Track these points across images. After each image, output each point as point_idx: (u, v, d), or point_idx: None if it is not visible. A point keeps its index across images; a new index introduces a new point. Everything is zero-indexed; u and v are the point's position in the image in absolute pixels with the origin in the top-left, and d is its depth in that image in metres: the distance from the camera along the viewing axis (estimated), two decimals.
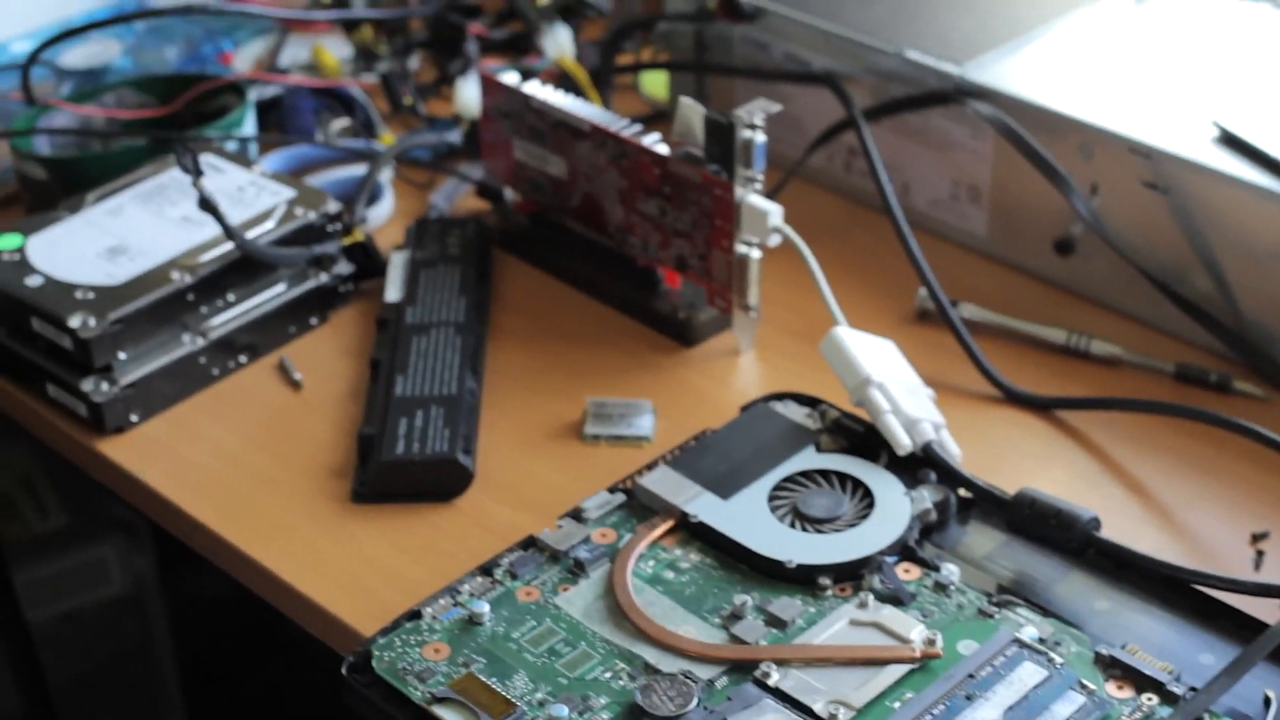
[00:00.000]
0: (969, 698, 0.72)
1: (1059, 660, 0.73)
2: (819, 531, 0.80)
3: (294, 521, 0.88)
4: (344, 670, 0.75)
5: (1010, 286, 1.04)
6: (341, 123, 1.19)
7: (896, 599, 0.77)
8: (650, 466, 0.85)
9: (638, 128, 1.00)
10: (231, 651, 1.52)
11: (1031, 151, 0.99)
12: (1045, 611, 0.76)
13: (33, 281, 0.96)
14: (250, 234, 0.98)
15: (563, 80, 1.17)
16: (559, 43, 1.19)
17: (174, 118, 1.14)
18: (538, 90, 1.03)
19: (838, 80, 1.08)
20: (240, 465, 0.92)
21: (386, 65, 1.26)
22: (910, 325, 1.01)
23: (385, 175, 1.14)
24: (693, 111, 0.95)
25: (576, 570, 0.80)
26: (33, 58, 1.15)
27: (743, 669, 0.74)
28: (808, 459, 0.85)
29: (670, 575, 0.80)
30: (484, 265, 1.04)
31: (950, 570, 0.78)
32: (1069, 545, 0.80)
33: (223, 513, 0.89)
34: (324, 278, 1.02)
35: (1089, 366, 0.97)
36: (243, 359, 0.99)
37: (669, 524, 0.82)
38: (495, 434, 0.93)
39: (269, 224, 1.00)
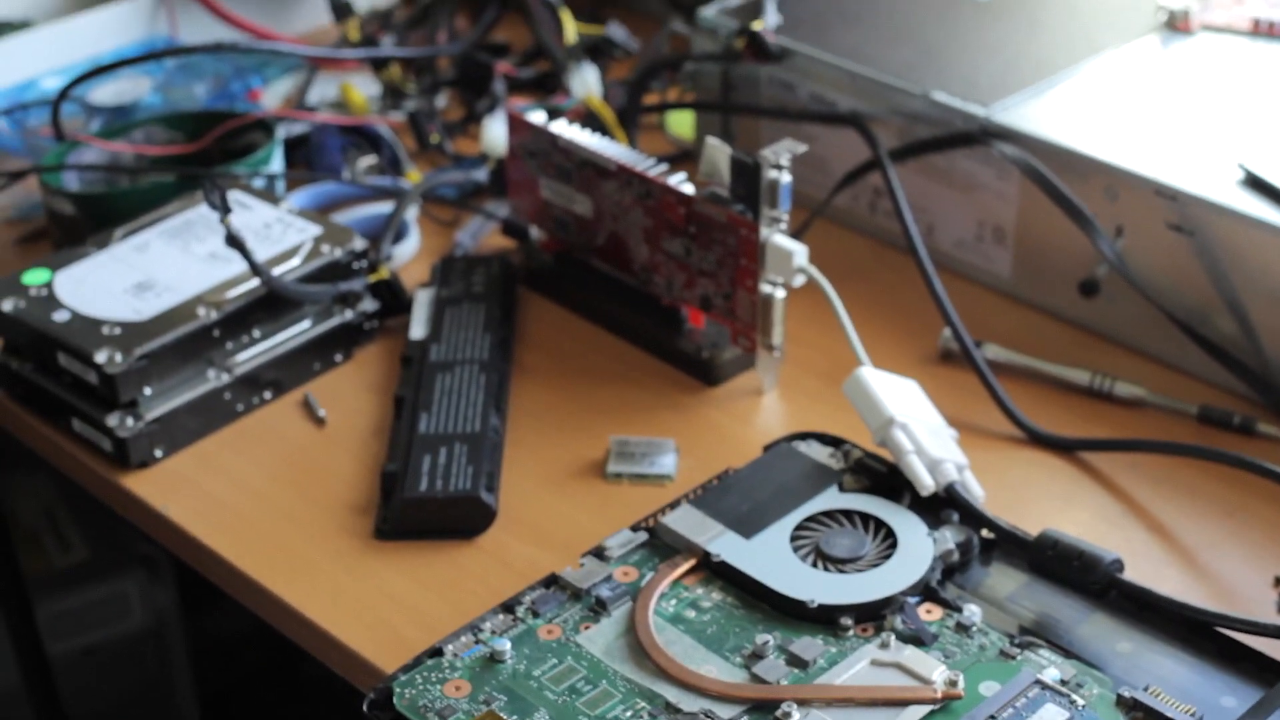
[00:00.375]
0: None
1: (1081, 702, 0.73)
2: (841, 571, 0.80)
3: (316, 557, 0.89)
4: (365, 707, 0.75)
5: (1034, 328, 1.04)
6: (368, 160, 1.19)
7: (918, 639, 0.77)
8: (673, 505, 0.85)
9: (664, 167, 1.00)
10: (252, 687, 1.52)
11: (1057, 193, 0.99)
12: (1067, 653, 0.76)
13: (60, 316, 0.96)
14: (276, 270, 0.99)
15: (589, 119, 1.18)
16: (586, 82, 1.20)
17: (202, 154, 1.15)
18: (564, 129, 1.04)
19: (864, 121, 1.08)
20: (263, 501, 0.93)
21: (414, 103, 1.27)
22: (934, 366, 1.01)
23: (411, 213, 1.14)
24: (719, 151, 0.95)
25: (598, 608, 0.80)
26: (63, 94, 1.16)
27: (764, 709, 0.74)
28: (830, 499, 0.85)
29: (692, 614, 0.79)
30: (509, 303, 1.05)
31: (972, 611, 0.78)
32: (1091, 587, 0.80)
33: (245, 548, 0.90)
34: (349, 314, 1.02)
35: (1112, 408, 0.97)
36: (267, 395, 1.00)
37: (691, 563, 0.82)
38: (518, 472, 0.94)
39: (295, 261, 1.00)
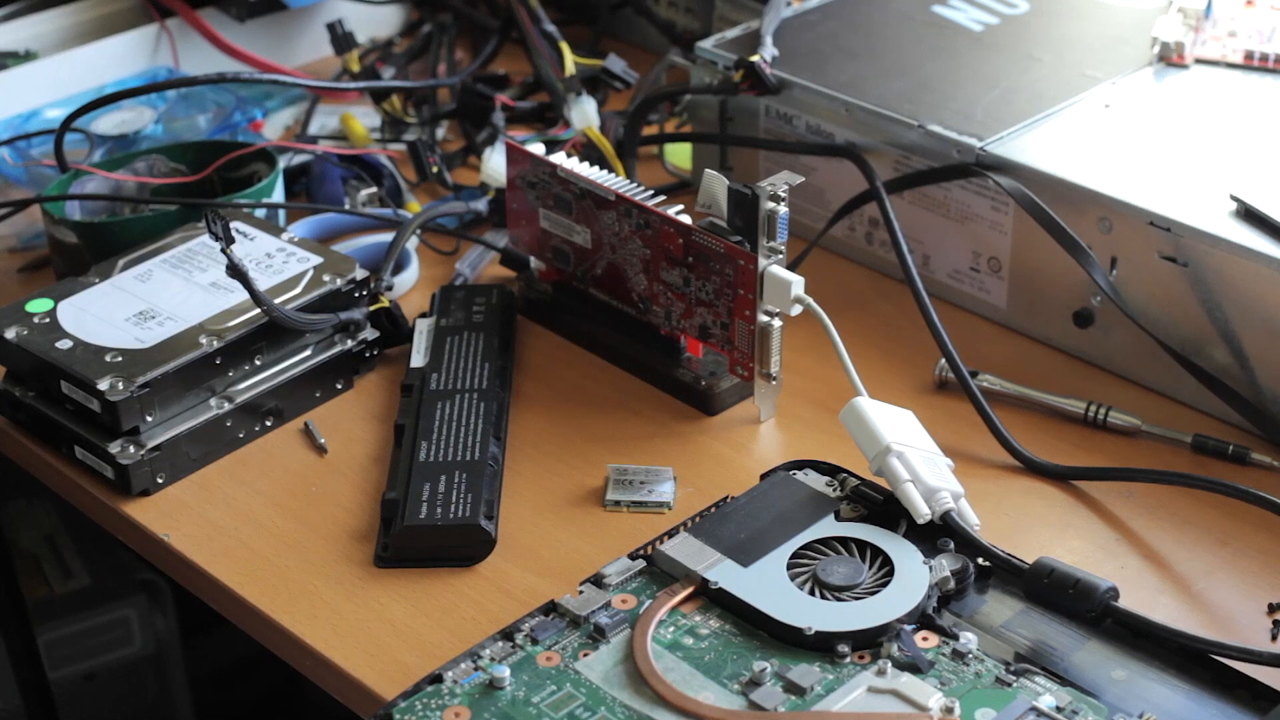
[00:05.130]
0: None
1: None
2: (838, 599, 0.81)
3: (316, 585, 0.89)
4: None
5: (1029, 357, 1.05)
6: (369, 191, 1.20)
7: (915, 667, 0.77)
8: (671, 533, 0.86)
9: (662, 198, 1.01)
10: (252, 713, 1.52)
11: (1052, 224, 1.00)
12: (1063, 680, 0.77)
13: (62, 345, 0.97)
14: (278, 300, 0.99)
15: (588, 151, 1.19)
16: (585, 114, 1.21)
17: (204, 184, 1.15)
18: (563, 160, 1.04)
19: (860, 153, 1.09)
20: (264, 529, 0.93)
21: (414, 134, 1.28)
22: (930, 395, 1.01)
23: (411, 243, 1.15)
24: (717, 182, 0.96)
25: (597, 636, 0.80)
26: (66, 124, 1.16)
27: None
28: (827, 527, 0.86)
29: (690, 641, 0.80)
30: (508, 332, 1.05)
31: (968, 638, 0.78)
32: (1087, 614, 0.80)
33: (246, 575, 0.90)
34: (350, 343, 1.03)
35: (1107, 437, 0.98)
36: (268, 423, 1.00)
37: (689, 590, 0.82)
38: (517, 500, 0.94)
39: (296, 290, 1.01)
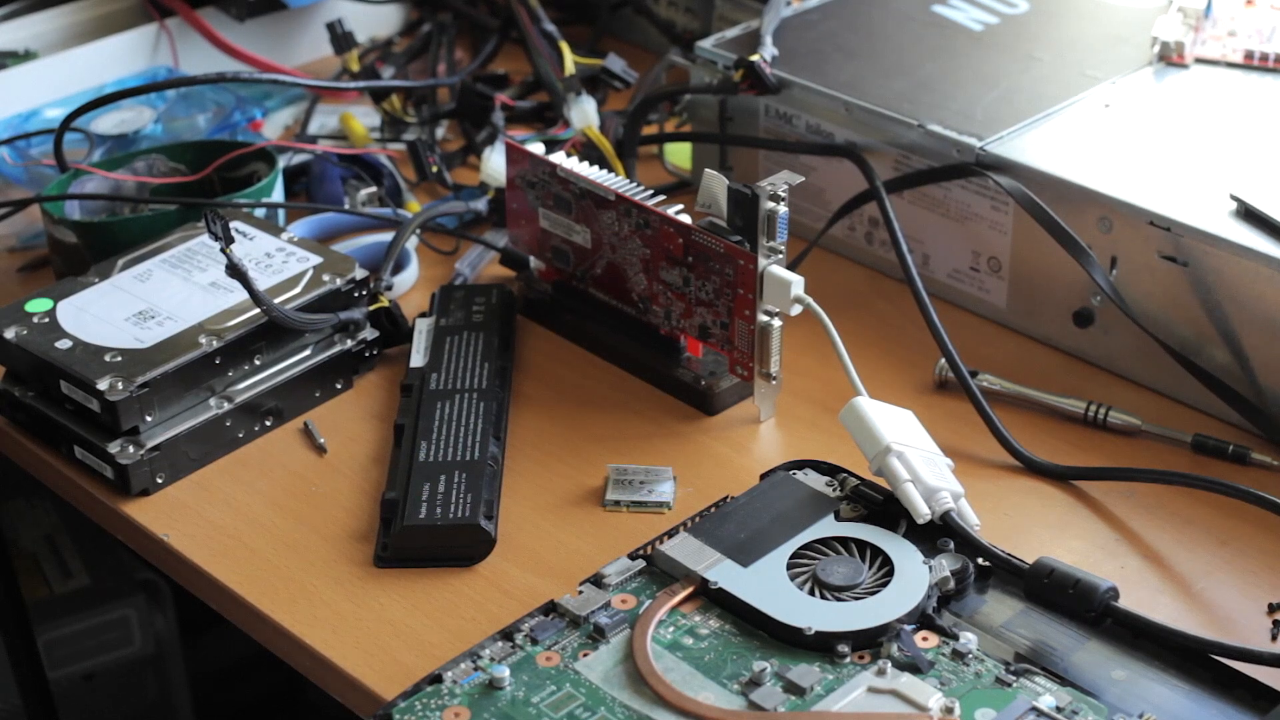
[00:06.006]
0: None
1: None
2: (838, 599, 0.81)
3: (316, 585, 0.89)
4: None
5: (1029, 357, 1.05)
6: (369, 190, 1.20)
7: (914, 667, 0.77)
8: (671, 533, 0.86)
9: (661, 198, 1.01)
10: (252, 713, 1.52)
11: (1051, 224, 1.00)
12: (1063, 680, 0.77)
13: (62, 344, 0.97)
14: (277, 300, 0.99)
15: (588, 150, 1.18)
16: (584, 113, 1.21)
17: (204, 184, 1.15)
18: (563, 160, 1.04)
19: (860, 152, 1.09)
20: (264, 528, 0.93)
21: (414, 134, 1.28)
22: (930, 395, 1.01)
23: (411, 242, 1.15)
24: (717, 182, 0.96)
25: (596, 636, 0.80)
26: (65, 124, 1.16)
27: None
28: (827, 527, 0.86)
29: (689, 641, 0.80)
30: (507, 332, 1.05)
31: (968, 638, 0.78)
32: (1087, 614, 0.80)
33: (245, 575, 0.90)
34: (349, 343, 1.03)
35: (1107, 437, 0.98)
36: (268, 423, 1.00)
37: (689, 590, 0.82)
38: (517, 499, 0.94)
39: (296, 290, 1.01)
